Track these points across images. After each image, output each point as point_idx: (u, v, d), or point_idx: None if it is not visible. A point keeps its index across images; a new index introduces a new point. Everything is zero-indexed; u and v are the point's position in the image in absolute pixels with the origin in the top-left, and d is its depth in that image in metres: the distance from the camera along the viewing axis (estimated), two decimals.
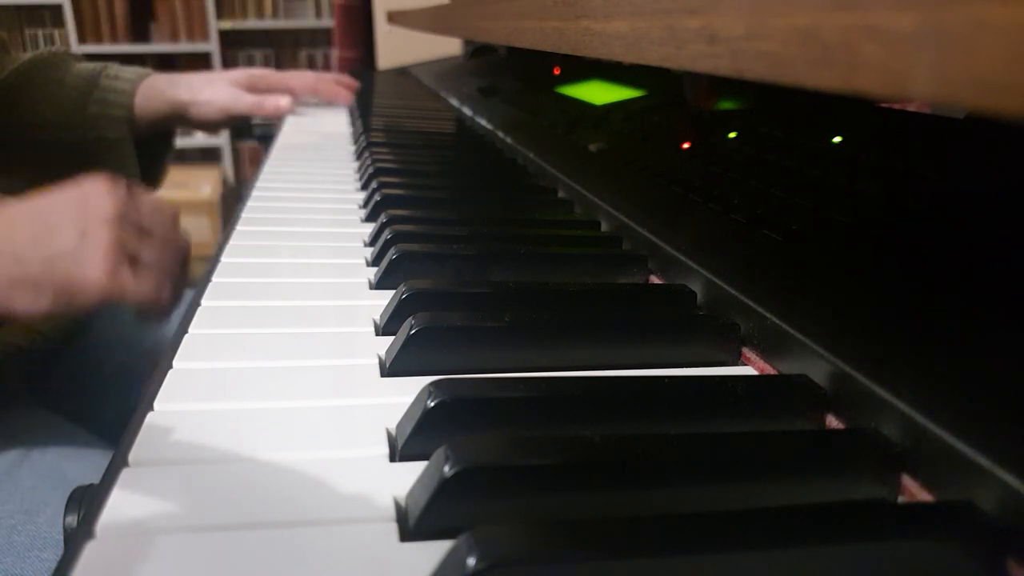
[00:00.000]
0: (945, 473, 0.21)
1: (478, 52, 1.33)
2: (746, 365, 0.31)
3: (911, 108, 0.46)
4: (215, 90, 0.82)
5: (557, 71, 0.87)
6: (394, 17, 1.34)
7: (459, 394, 0.24)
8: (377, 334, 0.32)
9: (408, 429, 0.23)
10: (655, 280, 0.40)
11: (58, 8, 2.87)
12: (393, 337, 0.31)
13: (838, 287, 0.29)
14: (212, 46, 2.97)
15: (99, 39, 2.95)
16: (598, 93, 0.72)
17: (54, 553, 0.43)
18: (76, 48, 2.86)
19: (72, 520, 0.24)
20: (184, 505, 0.20)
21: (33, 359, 0.60)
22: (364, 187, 0.59)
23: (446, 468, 0.19)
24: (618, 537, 0.18)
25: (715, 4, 0.20)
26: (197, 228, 2.43)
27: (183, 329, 0.32)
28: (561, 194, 0.55)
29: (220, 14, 2.97)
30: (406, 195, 0.53)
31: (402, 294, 0.33)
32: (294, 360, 0.29)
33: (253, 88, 0.85)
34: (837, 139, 0.41)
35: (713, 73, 0.20)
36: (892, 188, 0.34)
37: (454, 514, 0.20)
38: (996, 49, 0.11)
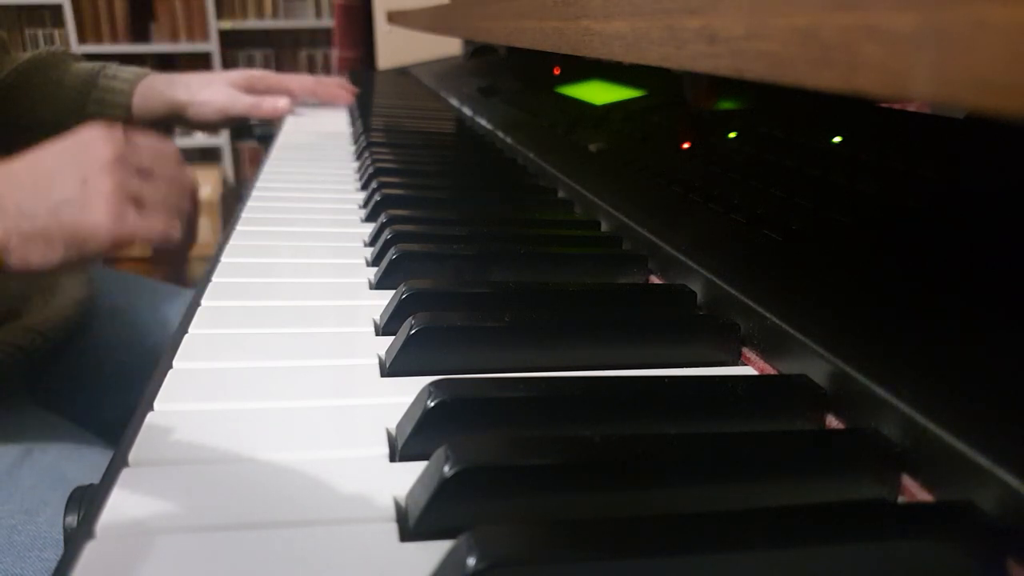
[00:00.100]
0: (945, 473, 0.21)
1: (478, 52, 1.33)
2: (746, 365, 0.31)
3: (911, 108, 0.46)
4: (213, 91, 0.82)
5: (557, 71, 0.87)
6: (394, 17, 1.34)
7: (459, 394, 0.24)
8: (377, 334, 0.32)
9: (408, 429, 0.23)
10: (655, 280, 0.40)
11: (58, 8, 2.87)
12: (393, 337, 0.31)
13: (838, 287, 0.29)
14: (212, 46, 2.97)
15: (99, 39, 2.95)
16: (598, 93, 0.72)
17: (54, 553, 0.43)
18: (76, 48, 2.86)
19: (72, 520, 0.24)
20: (184, 505, 0.20)
21: (33, 359, 0.60)
22: (364, 187, 0.59)
23: (446, 468, 0.19)
24: (618, 537, 0.18)
25: (715, 4, 0.20)
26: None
27: (183, 329, 0.32)
28: (561, 194, 0.55)
29: (220, 14, 2.97)
30: (406, 195, 0.53)
31: (402, 294, 0.33)
32: (294, 360, 0.29)
33: (252, 89, 0.85)
34: (837, 139, 0.41)
35: (713, 73, 0.20)
36: (892, 188, 0.34)
37: (454, 514, 0.20)
38: (996, 49, 0.11)
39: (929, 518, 0.20)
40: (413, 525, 0.20)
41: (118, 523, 0.20)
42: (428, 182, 0.58)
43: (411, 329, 0.28)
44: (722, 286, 0.33)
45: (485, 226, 0.46)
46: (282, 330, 0.32)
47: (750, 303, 0.30)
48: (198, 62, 2.97)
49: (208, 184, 2.56)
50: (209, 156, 3.02)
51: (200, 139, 2.94)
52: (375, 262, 0.41)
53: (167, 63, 2.97)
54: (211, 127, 0.85)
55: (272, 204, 0.54)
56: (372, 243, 0.45)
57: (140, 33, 3.02)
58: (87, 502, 0.22)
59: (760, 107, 0.52)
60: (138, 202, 0.46)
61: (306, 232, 0.47)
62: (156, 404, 0.26)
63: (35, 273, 0.45)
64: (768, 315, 0.29)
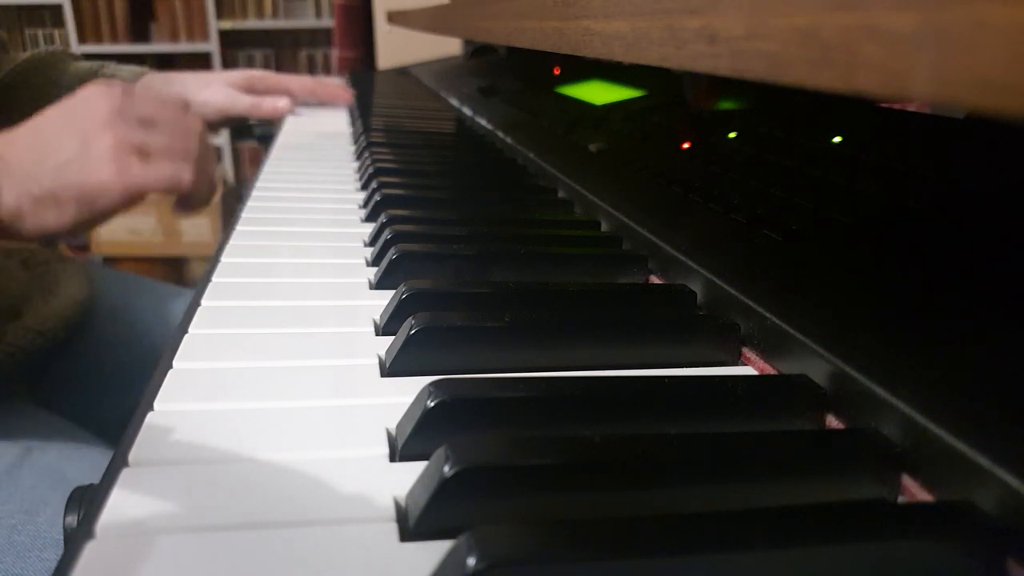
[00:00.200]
0: (945, 473, 0.21)
1: (478, 52, 1.33)
2: (746, 365, 0.31)
3: (911, 108, 0.46)
4: (212, 91, 0.82)
5: (557, 71, 0.87)
6: (394, 17, 1.34)
7: (459, 394, 0.24)
8: (377, 334, 0.32)
9: (408, 429, 0.23)
10: (655, 280, 0.40)
11: (58, 8, 2.87)
12: (393, 337, 0.31)
13: (838, 287, 0.29)
14: (212, 46, 2.97)
15: (99, 39, 2.95)
16: (598, 93, 0.72)
17: (54, 553, 0.43)
18: (76, 48, 2.86)
19: (72, 520, 0.24)
20: (184, 505, 0.20)
21: (33, 359, 0.60)
22: (364, 187, 0.59)
23: (446, 468, 0.19)
24: (618, 537, 0.18)
25: (715, 4, 0.20)
26: (197, 228, 2.43)
27: (183, 329, 0.32)
28: (561, 194, 0.55)
29: (220, 14, 2.97)
30: (406, 195, 0.53)
31: (402, 294, 0.33)
32: (294, 360, 0.29)
33: (251, 89, 0.85)
34: (837, 139, 0.41)
35: (713, 73, 0.20)
36: (892, 188, 0.34)
37: (454, 514, 0.20)
38: (996, 49, 0.11)
39: (929, 518, 0.20)
40: (413, 525, 0.20)
41: (118, 523, 0.20)
42: (428, 182, 0.58)
43: (411, 329, 0.28)
44: (722, 286, 0.33)
45: (485, 226, 0.46)
46: (282, 330, 0.32)
47: (750, 303, 0.30)
48: (198, 62, 2.97)
49: None
50: None
51: None
52: (375, 262, 0.41)
53: (167, 63, 2.98)
54: (210, 127, 0.85)
55: (272, 204, 0.54)
56: (372, 243, 0.45)
57: (140, 33, 3.02)
58: (87, 502, 0.22)
59: (760, 107, 0.52)
60: (143, 152, 0.47)
61: (306, 232, 0.47)
62: (156, 404, 0.26)
63: (55, 238, 0.46)
64: (768, 315, 0.29)
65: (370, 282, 0.39)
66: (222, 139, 2.98)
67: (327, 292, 0.37)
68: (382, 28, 1.72)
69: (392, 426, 0.25)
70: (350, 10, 1.79)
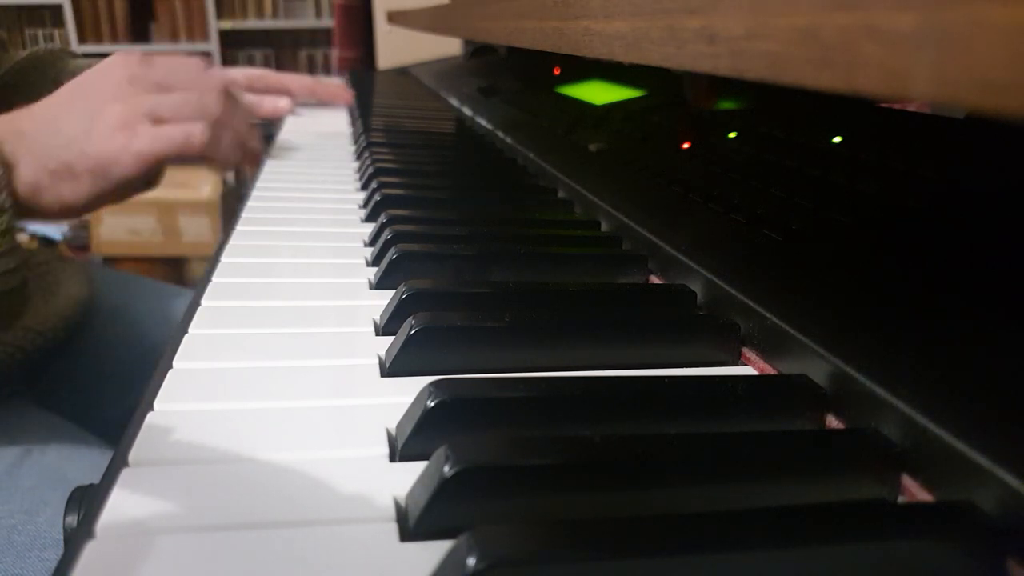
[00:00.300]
0: (945, 473, 0.21)
1: (478, 52, 1.33)
2: (746, 365, 0.31)
3: (911, 108, 0.46)
4: None
5: (557, 71, 0.87)
6: (394, 17, 1.34)
7: (459, 394, 0.24)
8: (377, 334, 0.32)
9: (408, 429, 0.23)
10: (655, 280, 0.40)
11: (58, 8, 2.87)
12: (393, 337, 0.31)
13: (838, 287, 0.29)
14: (212, 46, 2.97)
15: (99, 39, 2.95)
16: (598, 93, 0.72)
17: (54, 553, 0.43)
18: (76, 48, 2.86)
19: (72, 520, 0.24)
20: (184, 505, 0.20)
21: (33, 359, 0.60)
22: (364, 187, 0.59)
23: (446, 468, 0.19)
24: (618, 537, 0.18)
25: (715, 4, 0.20)
26: (197, 228, 2.43)
27: (183, 329, 0.32)
28: (561, 194, 0.55)
29: (220, 14, 2.97)
30: (406, 195, 0.53)
31: (402, 294, 0.33)
32: (294, 360, 0.29)
33: (251, 89, 0.85)
34: (837, 139, 0.41)
35: (713, 73, 0.20)
36: (892, 188, 0.34)
37: (454, 514, 0.20)
38: (996, 49, 0.11)
39: (929, 518, 0.20)
40: (413, 525, 0.20)
41: (118, 523, 0.20)
42: (428, 182, 0.58)
43: (411, 329, 0.28)
44: (722, 286, 0.33)
45: (485, 226, 0.46)
46: (282, 330, 0.32)
47: (750, 303, 0.30)
48: None
49: (208, 184, 2.56)
50: None
51: None
52: (375, 262, 0.41)
53: None
54: None
55: (272, 204, 0.54)
56: (372, 243, 0.45)
57: (140, 33, 3.02)
58: (87, 502, 0.22)
59: (760, 107, 0.52)
60: (154, 117, 0.48)
61: (306, 232, 0.47)
62: (156, 404, 0.26)
63: (76, 214, 0.47)
64: (768, 315, 0.29)
65: (370, 282, 0.39)
66: None
67: (327, 292, 0.37)
68: (382, 28, 1.73)
69: (392, 426, 0.25)
70: (350, 10, 1.79)
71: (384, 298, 0.35)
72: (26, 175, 0.43)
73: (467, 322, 0.29)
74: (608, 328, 0.30)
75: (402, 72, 1.51)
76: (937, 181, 0.33)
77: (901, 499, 0.22)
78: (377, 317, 0.34)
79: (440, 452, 0.20)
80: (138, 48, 2.93)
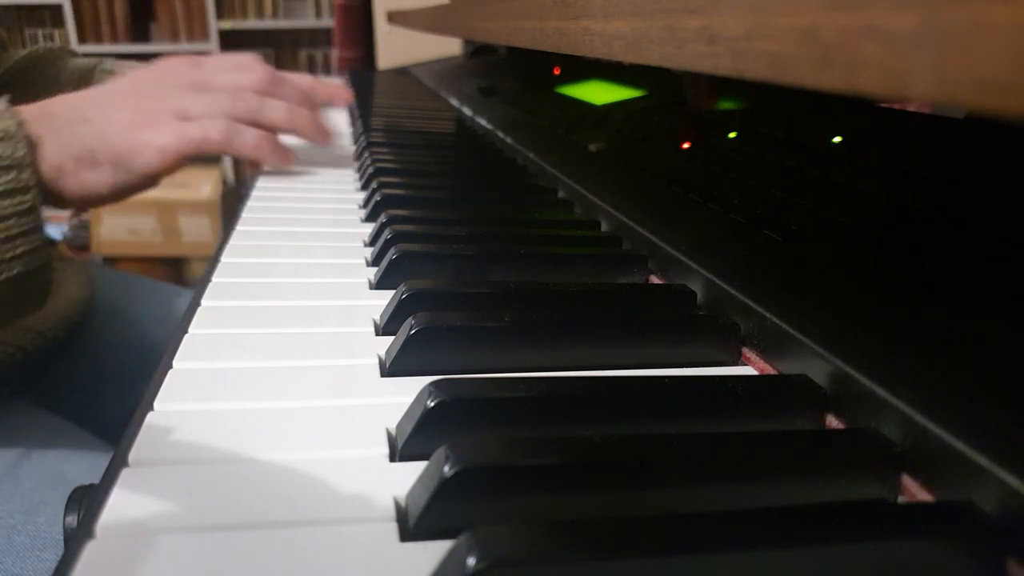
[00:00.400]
0: (945, 473, 0.21)
1: (478, 52, 1.33)
2: (746, 365, 0.31)
3: (911, 108, 0.46)
4: None
5: (557, 71, 0.87)
6: (394, 17, 1.34)
7: (459, 394, 0.24)
8: (377, 334, 0.32)
9: (408, 429, 0.23)
10: (655, 280, 0.40)
11: (58, 8, 2.87)
12: (393, 337, 0.31)
13: (838, 287, 0.29)
14: (212, 46, 2.97)
15: (99, 39, 2.95)
16: (598, 93, 0.72)
17: (54, 553, 0.43)
18: (76, 48, 2.86)
19: (72, 520, 0.24)
20: (184, 505, 0.20)
21: (33, 359, 0.60)
22: (364, 187, 0.59)
23: (446, 468, 0.19)
24: (618, 537, 0.18)
25: (715, 4, 0.20)
26: (197, 228, 2.43)
27: (183, 329, 0.32)
28: (561, 194, 0.55)
29: (220, 14, 2.97)
30: (406, 195, 0.53)
31: (402, 294, 0.33)
32: (294, 360, 0.29)
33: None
34: (837, 139, 0.41)
35: (713, 73, 0.20)
36: (892, 188, 0.34)
37: (454, 514, 0.20)
38: (996, 49, 0.11)
39: (929, 518, 0.20)
40: (413, 525, 0.20)
41: (118, 523, 0.20)
42: (428, 182, 0.58)
43: (411, 329, 0.28)
44: (722, 286, 0.33)
45: (485, 226, 0.46)
46: (282, 330, 0.32)
47: (750, 303, 0.30)
48: None
49: (208, 184, 2.57)
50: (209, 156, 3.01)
51: None
52: (375, 262, 0.41)
53: None
54: None
55: (272, 204, 0.54)
56: (372, 243, 0.45)
57: (140, 33, 3.02)
58: (87, 502, 0.22)
59: (760, 107, 0.52)
60: (182, 115, 0.49)
61: (306, 232, 0.47)
62: (156, 404, 0.26)
63: (97, 203, 0.48)
64: (768, 315, 0.29)
65: (370, 282, 0.39)
66: None
67: (327, 292, 0.37)
68: (382, 28, 1.73)
69: (392, 426, 0.25)
70: (350, 10, 1.79)
71: (384, 298, 0.35)
72: (51, 157, 0.44)
73: (467, 322, 0.29)
74: (608, 328, 0.30)
75: (402, 72, 1.50)
76: (937, 181, 0.33)
77: (901, 499, 0.22)
78: (377, 317, 0.34)
79: (440, 452, 0.20)
80: (137, 48, 2.93)
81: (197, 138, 0.49)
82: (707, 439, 0.22)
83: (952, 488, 0.20)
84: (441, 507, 0.20)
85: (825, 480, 0.22)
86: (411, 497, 0.21)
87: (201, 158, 0.52)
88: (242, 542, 0.19)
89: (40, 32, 2.96)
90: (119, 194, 0.49)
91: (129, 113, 0.48)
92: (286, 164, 0.56)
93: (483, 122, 0.85)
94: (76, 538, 0.19)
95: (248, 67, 0.56)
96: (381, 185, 0.54)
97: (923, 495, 0.21)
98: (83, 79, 0.76)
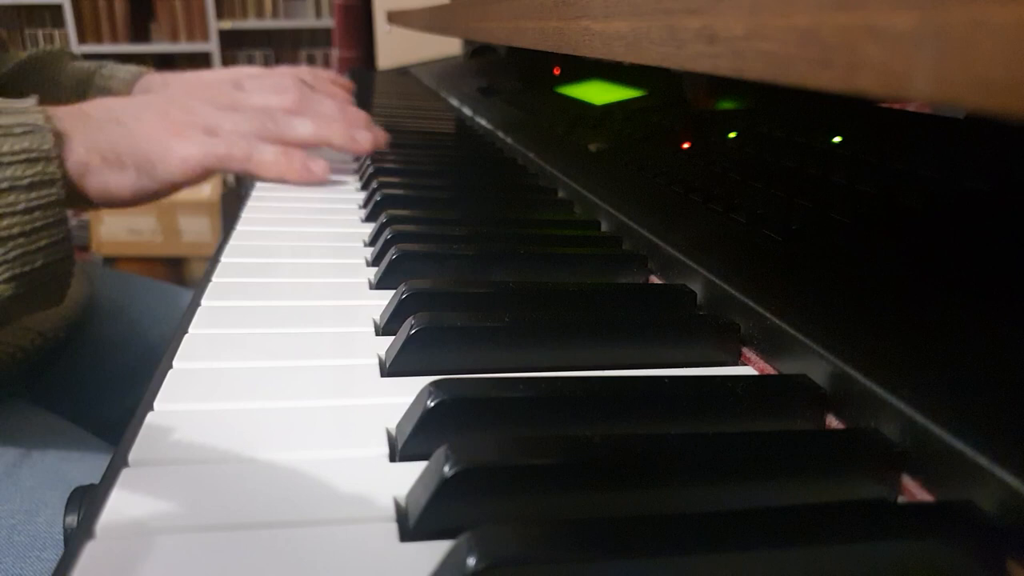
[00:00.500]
0: (945, 473, 0.21)
1: (478, 52, 1.33)
2: (746, 365, 0.31)
3: (911, 108, 0.46)
4: None
5: (557, 71, 0.87)
6: (394, 17, 1.34)
7: (459, 394, 0.24)
8: (377, 334, 0.32)
9: (408, 429, 0.23)
10: (655, 280, 0.40)
11: (58, 8, 2.87)
12: (393, 337, 0.31)
13: (838, 287, 0.29)
14: (212, 46, 2.97)
15: (99, 39, 2.95)
16: (598, 93, 0.72)
17: (54, 553, 0.43)
18: (76, 48, 2.86)
19: (72, 520, 0.24)
20: (184, 505, 0.20)
21: (33, 359, 0.60)
22: (364, 187, 0.59)
23: (446, 468, 0.19)
24: (618, 537, 0.18)
25: (715, 4, 0.20)
26: (197, 228, 2.43)
27: (183, 329, 0.32)
28: (561, 194, 0.55)
29: (220, 14, 2.97)
30: (406, 195, 0.53)
31: (402, 294, 0.33)
32: (294, 360, 0.29)
33: None
34: (837, 139, 0.41)
35: (713, 73, 0.20)
36: (892, 188, 0.34)
37: (454, 514, 0.20)
38: (996, 49, 0.11)
39: (929, 518, 0.20)
40: (413, 525, 0.20)
41: (118, 523, 0.20)
42: (428, 182, 0.58)
43: (411, 329, 0.28)
44: (722, 286, 0.33)
45: (485, 226, 0.46)
46: (282, 330, 0.32)
47: (750, 303, 0.30)
48: (198, 62, 2.97)
49: (208, 184, 2.57)
50: None
51: None
52: (375, 262, 0.41)
53: (167, 63, 2.98)
54: None
55: (272, 204, 0.54)
56: (372, 243, 0.45)
57: (140, 33, 3.02)
58: (87, 502, 0.22)
59: (760, 107, 0.52)
60: (211, 131, 0.51)
61: (306, 232, 0.47)
62: (156, 404, 0.26)
63: (118, 205, 0.49)
64: (768, 315, 0.29)
65: (370, 282, 0.39)
66: None
67: (327, 292, 0.37)
68: (382, 28, 1.73)
69: (392, 426, 0.25)
70: (350, 10, 1.79)
71: (384, 298, 0.35)
72: (78, 153, 0.45)
73: (467, 322, 0.29)
74: (608, 328, 0.30)
75: (402, 72, 1.51)
76: (937, 181, 0.33)
77: (901, 499, 0.22)
78: (377, 317, 0.34)
79: (440, 452, 0.20)
80: (137, 48, 2.93)
81: (221, 154, 0.51)
82: (707, 439, 0.22)
83: (952, 488, 0.20)
84: (441, 507, 0.20)
85: (825, 480, 0.22)
86: (411, 497, 0.21)
87: (223, 173, 0.54)
88: (242, 542, 0.19)
89: (40, 32, 2.96)
90: (139, 198, 0.50)
91: (161, 122, 0.50)
92: (313, 182, 0.57)
93: (483, 122, 0.85)
94: (76, 538, 0.19)
95: (284, 89, 0.58)
96: (381, 185, 0.54)
97: (923, 495, 0.21)
98: (83, 83, 0.76)
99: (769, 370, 0.29)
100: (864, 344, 0.25)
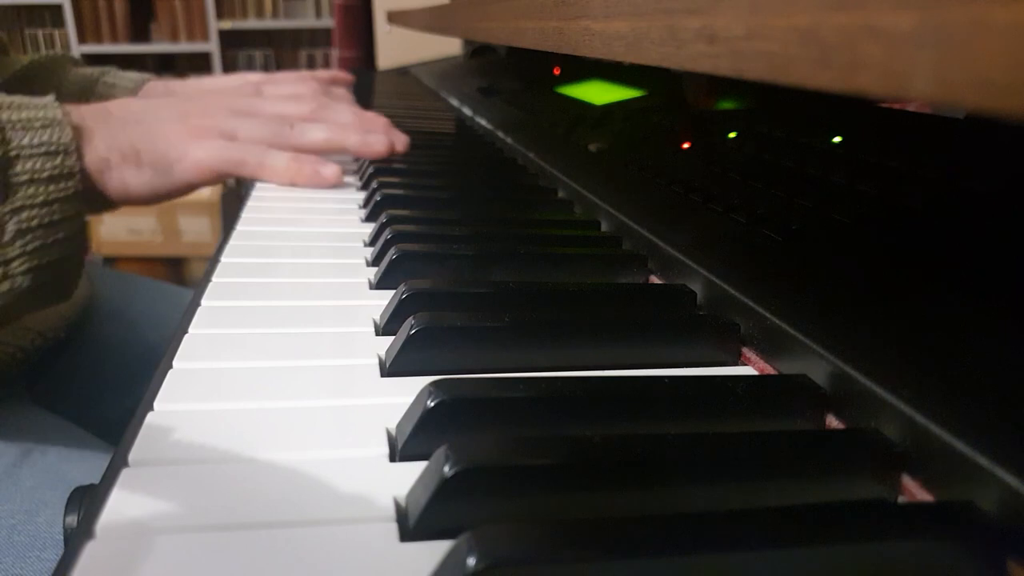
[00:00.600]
0: (945, 473, 0.21)
1: (478, 52, 1.33)
2: (746, 365, 0.31)
3: (911, 108, 0.46)
4: None
5: (557, 71, 0.87)
6: (394, 17, 1.34)
7: (459, 394, 0.24)
8: (377, 334, 0.32)
9: (408, 429, 0.23)
10: (655, 280, 0.40)
11: (58, 8, 2.87)
12: (393, 337, 0.31)
13: (838, 287, 0.29)
14: (212, 46, 2.97)
15: (99, 39, 2.95)
16: (598, 93, 0.72)
17: (54, 553, 0.43)
18: (76, 48, 2.87)
19: (72, 520, 0.24)
20: (184, 505, 0.20)
21: (33, 359, 0.60)
22: (364, 187, 0.59)
23: (446, 468, 0.19)
24: (618, 537, 0.18)
25: (715, 4, 0.20)
26: (197, 228, 2.43)
27: (183, 329, 0.32)
28: (561, 194, 0.56)
29: (220, 14, 2.97)
30: (406, 195, 0.53)
31: (402, 294, 0.33)
32: (294, 360, 0.29)
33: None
34: (837, 139, 0.41)
35: (713, 73, 0.20)
36: (892, 188, 0.34)
37: (454, 514, 0.20)
38: (996, 49, 0.11)
39: (929, 518, 0.20)
40: (413, 525, 0.20)
41: (118, 523, 0.20)
42: (428, 182, 0.58)
43: (411, 329, 0.28)
44: (722, 286, 0.33)
45: (485, 226, 0.46)
46: (282, 330, 0.32)
47: (750, 303, 0.30)
48: (198, 62, 2.98)
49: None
50: None
51: None
52: (375, 262, 0.41)
53: (167, 63, 2.98)
54: None
55: (272, 204, 0.54)
56: (372, 243, 0.45)
57: (140, 33, 3.02)
58: (87, 502, 0.22)
59: (760, 107, 0.52)
60: (228, 136, 0.53)
61: (306, 232, 0.47)
62: (156, 404, 0.26)
63: (132, 204, 0.51)
64: (768, 315, 0.29)
65: (370, 282, 0.39)
66: None
67: (327, 292, 0.37)
68: (382, 28, 1.73)
69: (392, 426, 0.25)
70: (350, 10, 1.79)
71: (384, 298, 0.35)
72: (99, 149, 0.47)
73: (467, 322, 0.29)
74: (608, 328, 0.30)
75: (402, 72, 1.51)
76: (937, 181, 0.33)
77: (901, 499, 0.22)
78: (377, 317, 0.34)
79: (440, 452, 0.20)
80: (137, 48, 2.93)
81: (236, 159, 0.52)
82: (707, 439, 0.22)
83: (952, 488, 0.20)
84: (441, 507, 0.20)
85: (825, 480, 0.22)
86: (411, 497, 0.21)
87: (235, 177, 0.56)
88: (242, 542, 0.19)
89: (40, 32, 2.96)
90: (156, 197, 0.51)
91: (180, 124, 0.52)
92: (324, 186, 0.58)
93: (483, 122, 0.85)
94: (76, 538, 0.19)
95: (301, 97, 0.60)
96: (381, 185, 0.54)
97: (923, 495, 0.21)
98: (85, 90, 0.76)
99: (769, 370, 0.29)
100: (864, 344, 0.25)
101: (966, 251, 0.28)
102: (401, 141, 0.62)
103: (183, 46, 2.99)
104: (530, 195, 0.57)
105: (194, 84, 0.83)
